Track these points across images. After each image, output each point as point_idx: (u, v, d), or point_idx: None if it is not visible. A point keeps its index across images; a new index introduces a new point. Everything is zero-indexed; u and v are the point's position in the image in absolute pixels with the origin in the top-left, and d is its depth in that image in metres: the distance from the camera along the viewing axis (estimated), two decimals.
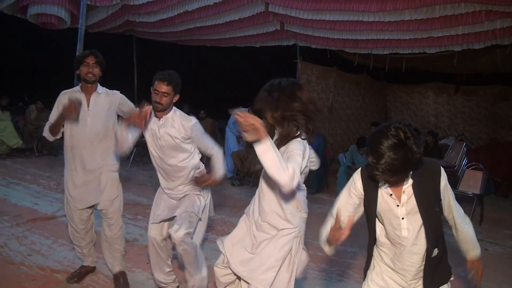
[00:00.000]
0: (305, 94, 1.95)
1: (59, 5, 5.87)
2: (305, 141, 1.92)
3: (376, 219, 1.71)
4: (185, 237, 2.49)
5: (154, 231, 2.74)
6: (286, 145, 1.88)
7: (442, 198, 1.62)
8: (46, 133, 2.77)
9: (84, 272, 3.05)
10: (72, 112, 2.56)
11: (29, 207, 4.70)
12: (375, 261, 1.79)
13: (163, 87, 2.51)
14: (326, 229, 1.75)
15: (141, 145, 6.90)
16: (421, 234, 1.61)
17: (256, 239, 2.07)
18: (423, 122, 10.76)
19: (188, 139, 2.66)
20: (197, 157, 2.78)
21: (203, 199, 2.76)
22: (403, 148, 1.42)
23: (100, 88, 2.83)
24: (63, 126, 2.77)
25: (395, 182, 1.56)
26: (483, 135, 10.10)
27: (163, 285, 2.86)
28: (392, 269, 1.71)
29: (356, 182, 1.71)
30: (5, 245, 3.53)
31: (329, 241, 1.67)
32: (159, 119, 2.61)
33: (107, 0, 6.11)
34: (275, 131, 1.94)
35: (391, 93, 11.60)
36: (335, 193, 5.52)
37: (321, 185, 6.65)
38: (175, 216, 2.65)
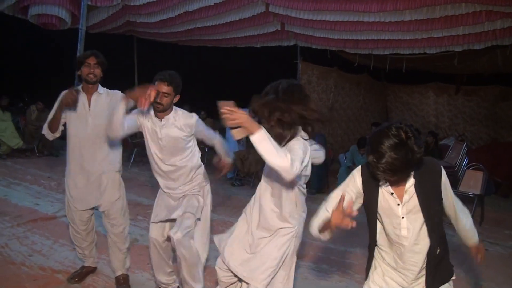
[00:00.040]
0: (305, 95, 1.96)
1: (59, 5, 5.87)
2: (306, 141, 1.92)
3: (377, 218, 1.71)
4: (184, 239, 2.50)
5: (155, 232, 2.74)
6: (286, 145, 1.89)
7: (443, 196, 1.64)
8: (45, 131, 2.75)
9: (85, 272, 3.05)
10: (70, 98, 2.54)
11: (30, 207, 4.71)
12: (377, 261, 1.79)
13: (164, 88, 2.52)
14: (318, 218, 1.73)
15: (141, 146, 6.92)
16: (422, 233, 1.62)
17: (255, 238, 2.08)
18: (423, 123, 10.76)
19: (191, 136, 2.68)
20: (197, 155, 2.79)
21: (202, 199, 2.77)
22: (404, 148, 1.42)
23: (101, 89, 2.83)
24: (63, 126, 2.77)
25: (396, 181, 1.56)
26: (483, 136, 10.10)
27: (164, 286, 2.86)
28: (394, 268, 1.71)
29: (356, 179, 1.71)
30: (6, 245, 3.53)
31: (331, 225, 1.58)
32: (160, 120, 2.61)
33: (107, 0, 6.11)
34: (275, 131, 1.95)
35: (392, 93, 11.60)
36: None
37: (321, 185, 6.66)
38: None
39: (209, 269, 3.03)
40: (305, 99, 1.93)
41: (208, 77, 11.77)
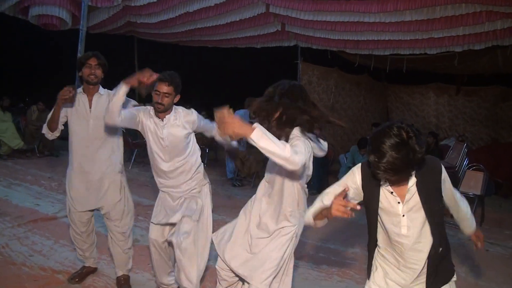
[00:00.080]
0: (306, 96, 1.96)
1: (60, 6, 5.89)
2: (306, 140, 1.93)
3: (377, 217, 1.71)
4: (182, 244, 2.51)
5: (155, 233, 2.75)
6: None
7: (442, 189, 1.65)
8: (45, 130, 2.75)
9: (85, 272, 3.06)
10: (67, 95, 2.53)
11: (30, 207, 4.71)
12: (377, 261, 1.79)
13: (164, 88, 2.53)
14: (314, 207, 1.74)
15: (142, 146, 6.92)
16: (424, 231, 1.62)
17: (254, 238, 2.08)
18: (424, 123, 10.75)
19: (192, 132, 2.70)
20: (197, 153, 2.80)
21: (201, 201, 2.76)
22: (405, 148, 1.42)
23: (102, 90, 2.84)
24: (64, 125, 2.78)
25: (397, 181, 1.56)
26: (484, 136, 10.09)
27: (164, 286, 2.87)
28: (396, 267, 1.71)
29: (355, 175, 1.71)
30: (7, 246, 3.53)
31: (328, 213, 1.59)
32: (162, 120, 2.62)
33: (108, 1, 6.12)
34: (275, 131, 1.95)
35: (392, 94, 11.60)
36: None
37: (321, 185, 6.63)
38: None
39: (209, 269, 3.03)
40: (306, 99, 1.94)
41: (208, 77, 11.79)
